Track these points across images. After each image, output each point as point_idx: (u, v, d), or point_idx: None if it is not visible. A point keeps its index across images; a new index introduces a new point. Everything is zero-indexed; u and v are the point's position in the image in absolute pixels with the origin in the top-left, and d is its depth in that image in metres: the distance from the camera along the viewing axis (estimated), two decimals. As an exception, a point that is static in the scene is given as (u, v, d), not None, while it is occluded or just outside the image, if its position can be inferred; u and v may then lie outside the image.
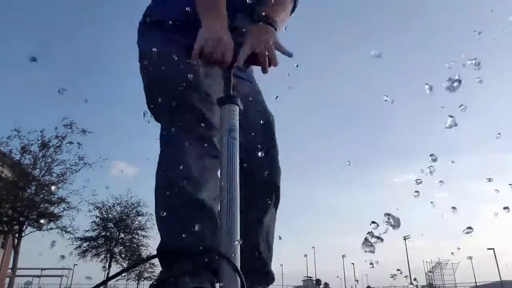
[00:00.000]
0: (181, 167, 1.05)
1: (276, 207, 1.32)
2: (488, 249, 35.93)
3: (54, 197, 14.12)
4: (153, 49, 1.21)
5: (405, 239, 41.69)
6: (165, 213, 1.04)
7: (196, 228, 0.98)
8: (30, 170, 13.75)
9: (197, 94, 1.14)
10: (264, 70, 1.13)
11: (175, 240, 1.00)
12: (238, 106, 0.93)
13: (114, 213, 20.20)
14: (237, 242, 0.77)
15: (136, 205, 20.41)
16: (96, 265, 20.18)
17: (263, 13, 1.20)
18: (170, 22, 1.24)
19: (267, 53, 1.11)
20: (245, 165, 1.08)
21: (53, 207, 14.18)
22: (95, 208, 19.62)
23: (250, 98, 1.31)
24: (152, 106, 1.24)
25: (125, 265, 20.26)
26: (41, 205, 13.82)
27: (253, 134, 1.26)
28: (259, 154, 1.25)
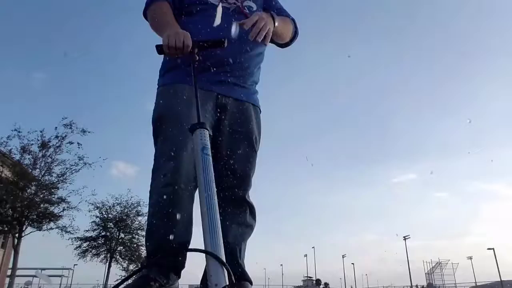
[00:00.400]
0: (155, 180, 1.41)
1: (252, 215, 1.56)
2: (488, 249, 35.93)
3: (54, 197, 14.12)
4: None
5: (405, 239, 41.73)
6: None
7: (154, 228, 1.37)
8: (30, 170, 13.75)
9: (171, 122, 1.44)
10: (245, 25, 1.44)
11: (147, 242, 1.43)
12: (207, 130, 1.12)
13: (114, 213, 20.21)
14: (220, 241, 0.88)
15: (136, 205, 20.40)
16: (96, 265, 20.19)
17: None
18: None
19: (261, 24, 1.43)
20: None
21: (53, 207, 14.19)
22: (95, 208, 19.63)
23: (239, 120, 1.55)
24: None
25: (125, 265, 20.25)
26: (41, 205, 13.81)
27: (232, 153, 1.52)
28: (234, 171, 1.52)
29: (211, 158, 1.04)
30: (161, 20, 1.55)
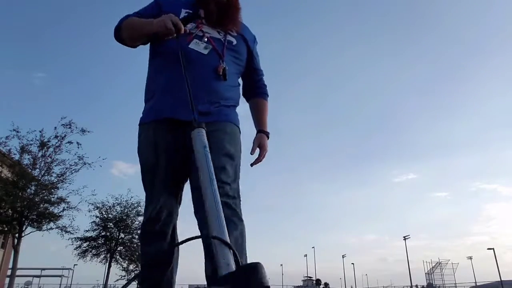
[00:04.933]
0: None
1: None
2: (488, 249, 35.90)
3: (54, 197, 14.09)
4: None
5: (405, 239, 41.68)
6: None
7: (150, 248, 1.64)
8: (30, 170, 13.72)
9: (151, 176, 1.63)
10: (256, 161, 1.80)
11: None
12: (204, 128, 1.18)
13: (114, 213, 20.18)
14: (224, 226, 0.94)
15: (136, 205, 20.35)
16: (96, 265, 20.16)
17: (262, 129, 1.89)
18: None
19: (264, 153, 1.82)
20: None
21: (53, 207, 14.16)
22: (95, 208, 19.60)
23: (218, 139, 1.59)
24: None
25: (125, 265, 20.21)
26: (41, 205, 13.78)
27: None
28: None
29: (210, 155, 1.13)
30: (139, 22, 1.63)
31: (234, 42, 1.74)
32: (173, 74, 1.59)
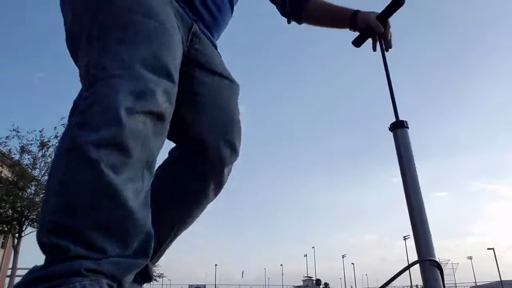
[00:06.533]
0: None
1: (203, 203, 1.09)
2: (488, 249, 35.92)
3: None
4: None
5: (405, 239, 41.70)
6: None
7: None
8: (30, 170, 13.74)
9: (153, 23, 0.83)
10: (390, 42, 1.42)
11: None
12: (408, 128, 1.01)
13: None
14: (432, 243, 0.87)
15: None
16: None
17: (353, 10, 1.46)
18: None
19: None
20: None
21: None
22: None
23: (220, 71, 1.09)
24: (76, 38, 0.90)
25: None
26: (41, 205, 13.79)
27: (216, 111, 1.04)
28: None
29: (415, 164, 0.99)
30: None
31: None
32: None
